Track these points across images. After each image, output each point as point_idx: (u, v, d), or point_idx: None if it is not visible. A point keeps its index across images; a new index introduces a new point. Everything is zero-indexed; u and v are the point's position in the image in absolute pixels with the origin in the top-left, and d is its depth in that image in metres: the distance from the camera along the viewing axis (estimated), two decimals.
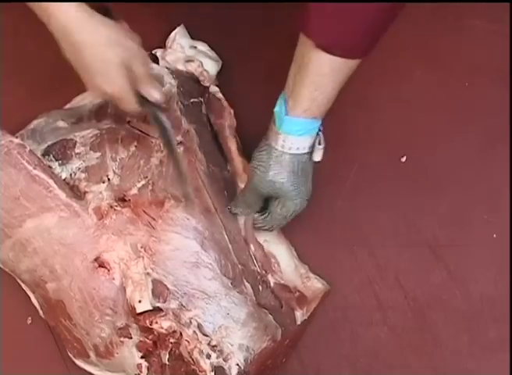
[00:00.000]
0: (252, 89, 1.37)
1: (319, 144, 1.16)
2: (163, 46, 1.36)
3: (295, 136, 1.14)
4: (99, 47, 1.05)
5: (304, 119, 1.13)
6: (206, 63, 1.33)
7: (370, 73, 1.35)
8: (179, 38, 1.33)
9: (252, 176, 1.19)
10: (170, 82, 1.26)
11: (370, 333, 1.26)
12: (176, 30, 1.35)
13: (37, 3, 1.04)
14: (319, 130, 1.17)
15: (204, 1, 1.40)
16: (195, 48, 1.35)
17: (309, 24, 1.07)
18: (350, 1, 1.03)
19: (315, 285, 1.25)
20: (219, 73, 1.36)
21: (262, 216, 1.23)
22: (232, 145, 1.30)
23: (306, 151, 1.16)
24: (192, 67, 1.31)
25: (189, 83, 1.31)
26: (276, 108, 1.15)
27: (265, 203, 1.23)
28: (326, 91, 1.12)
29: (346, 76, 1.12)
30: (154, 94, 1.11)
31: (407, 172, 1.33)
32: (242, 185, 1.25)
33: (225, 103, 1.33)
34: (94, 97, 1.11)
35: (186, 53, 1.33)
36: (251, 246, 1.23)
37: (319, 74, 1.10)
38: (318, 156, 1.17)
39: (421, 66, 1.38)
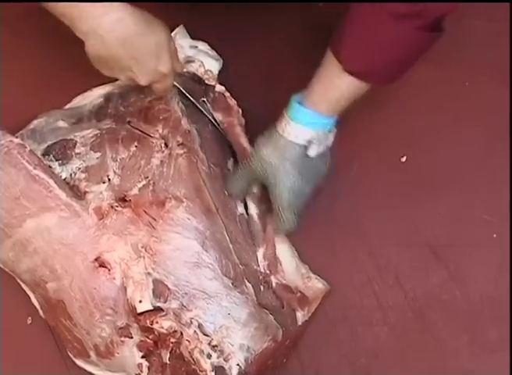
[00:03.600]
0: (252, 89, 1.37)
1: (317, 141, 1.18)
2: None
3: (298, 124, 1.16)
4: (150, 32, 1.12)
5: (311, 111, 1.15)
6: (207, 62, 1.33)
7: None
8: (178, 39, 1.33)
9: (250, 154, 1.23)
10: None
11: (370, 333, 1.26)
12: (176, 31, 1.35)
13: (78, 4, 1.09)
14: (329, 130, 1.19)
15: (204, 1, 1.40)
16: (196, 47, 1.35)
17: (341, 50, 1.11)
18: (385, 32, 1.06)
19: (316, 285, 1.25)
20: (219, 73, 1.36)
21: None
22: (245, 142, 1.30)
23: (303, 142, 1.17)
24: (193, 68, 1.31)
25: (189, 83, 1.31)
26: (296, 96, 1.18)
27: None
28: (339, 91, 1.14)
29: (363, 90, 1.15)
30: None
31: (407, 172, 1.33)
32: None
33: (232, 101, 1.33)
34: (145, 81, 1.16)
35: (187, 53, 1.33)
36: (264, 245, 1.24)
37: (338, 76, 1.13)
38: (312, 151, 1.18)
39: (421, 65, 1.37)
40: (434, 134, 1.35)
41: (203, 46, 1.36)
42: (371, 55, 1.10)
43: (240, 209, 1.24)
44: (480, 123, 1.35)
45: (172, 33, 1.34)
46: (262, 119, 1.33)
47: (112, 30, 1.09)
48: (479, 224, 1.30)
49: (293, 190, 1.19)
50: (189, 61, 1.32)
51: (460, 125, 1.35)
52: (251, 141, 1.28)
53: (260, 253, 1.23)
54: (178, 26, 1.36)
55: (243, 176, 1.24)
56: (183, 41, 1.34)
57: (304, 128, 1.16)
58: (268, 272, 1.22)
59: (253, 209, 1.26)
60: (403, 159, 1.34)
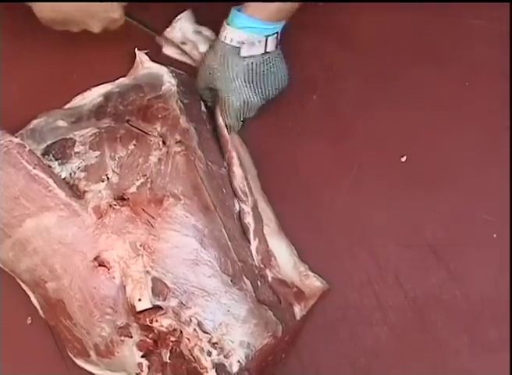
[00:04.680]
0: None
1: (249, 43, 1.25)
2: None
3: (233, 27, 1.25)
4: None
5: (246, 16, 1.24)
6: (203, 47, 1.37)
7: (370, 72, 1.36)
8: (183, 22, 1.35)
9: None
10: (170, 81, 1.27)
11: (370, 333, 1.26)
12: (181, 15, 1.38)
13: None
14: (265, 35, 1.26)
15: (204, 1, 1.40)
16: (199, 33, 1.37)
17: None
18: None
19: (314, 283, 1.25)
20: None
21: None
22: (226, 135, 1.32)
23: (236, 45, 1.25)
24: (187, 49, 1.36)
25: (188, 81, 1.31)
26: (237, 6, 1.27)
27: None
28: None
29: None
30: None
31: (407, 172, 1.33)
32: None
33: None
34: (98, 30, 1.28)
35: (189, 37, 1.35)
36: (256, 239, 1.24)
37: None
38: (243, 52, 1.26)
39: (421, 65, 1.38)
40: (434, 134, 1.35)
41: (207, 32, 1.39)
42: None
43: (237, 207, 1.24)
44: (480, 123, 1.35)
45: (177, 17, 1.37)
46: (262, 120, 1.33)
47: None
48: (479, 224, 1.30)
49: (234, 94, 1.27)
50: (183, 43, 1.37)
51: (460, 125, 1.35)
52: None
53: (253, 247, 1.23)
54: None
55: (199, 83, 1.32)
56: (186, 25, 1.36)
57: (237, 31, 1.24)
58: (262, 265, 1.22)
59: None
60: (403, 159, 1.34)
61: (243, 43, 1.25)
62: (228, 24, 1.26)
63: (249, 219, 1.23)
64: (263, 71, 1.28)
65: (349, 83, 1.38)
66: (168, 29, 1.37)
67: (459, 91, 1.37)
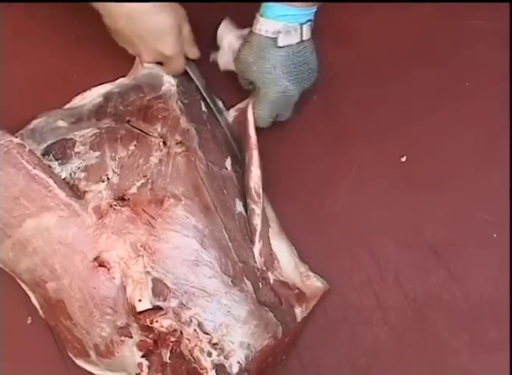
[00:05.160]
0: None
1: (285, 32, 1.23)
2: None
3: (266, 18, 1.23)
4: (156, 12, 1.18)
5: (278, 4, 1.21)
6: None
7: (370, 72, 1.36)
8: (223, 35, 1.35)
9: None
10: (169, 81, 1.26)
11: (370, 333, 1.26)
12: (220, 28, 1.36)
13: None
14: (302, 23, 1.24)
15: (204, 0, 1.40)
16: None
17: None
18: None
19: (314, 284, 1.25)
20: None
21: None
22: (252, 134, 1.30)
23: (274, 36, 1.23)
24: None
25: (188, 81, 1.31)
26: None
27: None
28: None
29: None
30: (195, 53, 1.30)
31: (407, 172, 1.33)
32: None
33: None
34: (148, 59, 1.25)
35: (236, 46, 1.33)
36: (261, 242, 1.24)
37: None
38: (280, 41, 1.23)
39: (421, 65, 1.38)
40: (434, 134, 1.35)
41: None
42: None
43: (239, 208, 1.24)
44: (480, 123, 1.35)
45: (218, 32, 1.36)
46: None
47: (118, 5, 1.15)
48: (479, 224, 1.30)
49: (271, 87, 1.25)
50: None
51: (460, 125, 1.35)
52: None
53: (256, 249, 1.23)
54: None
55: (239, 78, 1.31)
56: (229, 37, 1.34)
57: (271, 21, 1.22)
58: (265, 268, 1.22)
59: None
60: (403, 159, 1.34)
61: (279, 32, 1.23)
62: (261, 15, 1.24)
63: (257, 221, 1.23)
64: (299, 61, 1.26)
65: (349, 83, 1.38)
66: (219, 53, 1.35)
67: (459, 91, 1.37)
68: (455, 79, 1.38)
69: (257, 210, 1.23)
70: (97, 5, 1.17)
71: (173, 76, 1.28)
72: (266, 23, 1.23)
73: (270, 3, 1.22)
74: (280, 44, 1.23)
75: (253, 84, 1.29)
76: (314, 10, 1.26)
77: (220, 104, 1.35)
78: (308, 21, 1.25)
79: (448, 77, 1.38)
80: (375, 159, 1.34)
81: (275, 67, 1.24)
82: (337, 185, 1.32)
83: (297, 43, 1.25)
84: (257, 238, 1.23)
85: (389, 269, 1.28)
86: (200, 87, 1.33)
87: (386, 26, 1.41)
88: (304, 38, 1.25)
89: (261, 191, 1.24)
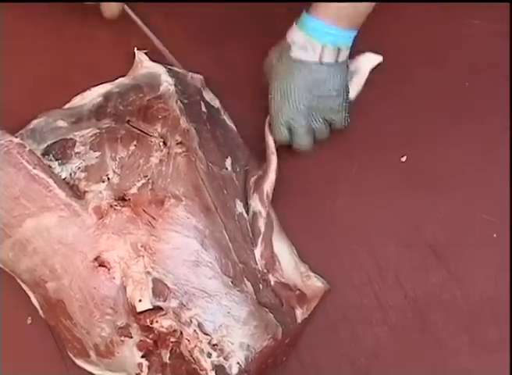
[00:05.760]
0: (252, 89, 1.37)
1: (299, 43, 1.20)
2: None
3: (303, 33, 1.19)
4: None
5: (316, 20, 1.18)
6: None
7: (370, 72, 1.36)
8: None
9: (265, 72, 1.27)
10: (167, 80, 1.26)
11: (370, 333, 1.26)
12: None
13: None
14: (338, 47, 1.21)
15: (204, 1, 1.40)
16: None
17: None
18: None
19: (315, 284, 1.25)
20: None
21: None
22: (270, 140, 1.31)
23: (310, 52, 1.20)
24: None
25: (186, 81, 1.31)
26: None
27: None
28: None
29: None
30: None
31: (407, 172, 1.33)
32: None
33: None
34: None
35: None
36: (263, 244, 1.24)
37: None
38: (294, 51, 1.21)
39: (421, 65, 1.39)
40: (434, 134, 1.35)
41: None
42: None
43: (239, 208, 1.24)
44: (480, 123, 1.35)
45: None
46: (263, 119, 1.33)
47: None
48: (479, 224, 1.30)
49: (293, 101, 1.23)
50: None
51: (460, 125, 1.35)
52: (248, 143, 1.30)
53: (257, 252, 1.23)
54: (181, 27, 1.37)
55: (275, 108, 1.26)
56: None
57: (308, 39, 1.19)
58: (266, 270, 1.22)
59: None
60: (403, 159, 1.34)
61: (294, 42, 1.21)
62: (298, 30, 1.21)
63: (261, 224, 1.23)
64: (330, 82, 1.23)
65: None
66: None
67: (459, 91, 1.38)
68: (455, 79, 1.38)
69: (264, 213, 1.24)
70: None
71: (171, 75, 1.28)
72: (301, 39, 1.20)
73: (314, 19, 1.18)
74: (292, 54, 1.21)
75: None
76: (349, 33, 1.22)
77: (217, 103, 1.35)
78: (334, 45, 1.20)
79: (448, 77, 1.38)
80: (375, 159, 1.34)
81: (291, 77, 1.22)
82: (337, 185, 1.32)
83: (315, 63, 1.21)
84: (259, 241, 1.23)
85: (389, 269, 1.28)
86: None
87: (386, 26, 1.41)
88: (325, 60, 1.21)
89: (271, 196, 1.24)
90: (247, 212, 1.25)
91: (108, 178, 1.18)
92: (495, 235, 1.29)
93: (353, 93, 1.31)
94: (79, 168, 1.19)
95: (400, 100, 1.36)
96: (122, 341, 1.14)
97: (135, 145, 1.20)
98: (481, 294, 1.27)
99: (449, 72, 1.38)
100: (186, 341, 1.10)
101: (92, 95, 1.30)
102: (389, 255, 1.29)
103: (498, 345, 1.24)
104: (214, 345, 1.10)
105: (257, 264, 1.22)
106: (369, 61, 1.35)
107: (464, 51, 1.39)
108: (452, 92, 1.37)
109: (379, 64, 1.32)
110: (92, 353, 1.17)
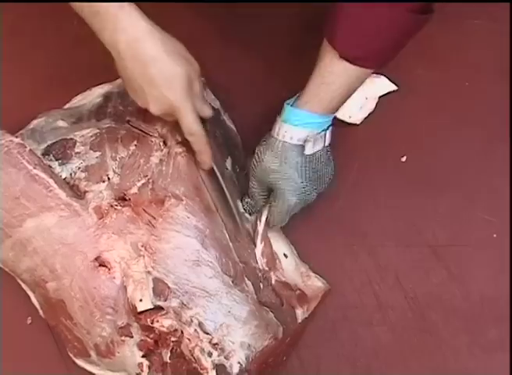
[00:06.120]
0: (252, 89, 1.38)
1: (313, 139, 1.17)
2: None
3: (291, 125, 1.17)
4: (168, 60, 1.10)
5: (304, 112, 1.16)
6: None
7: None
8: None
9: (251, 164, 1.22)
10: None
11: (370, 333, 1.26)
12: None
13: (101, 13, 1.07)
14: (325, 129, 1.19)
15: (204, 1, 1.40)
16: None
17: (336, 36, 1.11)
18: (379, 15, 1.07)
19: (315, 284, 1.25)
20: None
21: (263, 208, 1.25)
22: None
23: (300, 143, 1.18)
24: None
25: None
26: (288, 100, 1.19)
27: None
28: (331, 89, 1.14)
29: (355, 81, 1.15)
30: (207, 111, 1.18)
31: (407, 172, 1.33)
32: None
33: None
34: (155, 109, 1.13)
35: None
36: (263, 243, 1.24)
37: (329, 72, 1.13)
38: (308, 150, 1.18)
39: (421, 65, 1.39)
40: (434, 134, 1.35)
41: None
42: (367, 39, 1.11)
43: (240, 208, 1.25)
44: (480, 123, 1.35)
45: None
46: (262, 120, 1.33)
47: (129, 49, 1.09)
48: (479, 224, 1.30)
49: (294, 194, 1.20)
50: None
51: (460, 125, 1.36)
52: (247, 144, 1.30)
53: (258, 251, 1.23)
54: (180, 28, 1.36)
55: (256, 191, 1.24)
56: None
57: (297, 128, 1.17)
58: (267, 269, 1.23)
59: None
60: (403, 159, 1.34)
61: (306, 141, 1.17)
62: (285, 122, 1.18)
63: (260, 222, 1.25)
64: (321, 166, 1.21)
65: None
66: None
67: (459, 91, 1.38)
68: (455, 79, 1.38)
69: (265, 212, 1.25)
70: (110, 49, 1.10)
71: None
72: (291, 130, 1.18)
73: (295, 109, 1.17)
74: (308, 152, 1.18)
75: (269, 189, 1.24)
76: (333, 116, 1.21)
77: (217, 104, 1.35)
78: (330, 126, 1.20)
79: (448, 77, 1.38)
80: (375, 159, 1.34)
81: (299, 174, 1.20)
82: (337, 185, 1.32)
83: (321, 149, 1.21)
84: (259, 239, 1.23)
85: (389, 269, 1.29)
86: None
87: None
88: (326, 144, 1.21)
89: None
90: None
91: (109, 178, 1.18)
92: (495, 235, 1.29)
93: (361, 116, 1.33)
94: (79, 168, 1.19)
95: (399, 100, 1.36)
96: (123, 340, 1.14)
97: (135, 145, 1.20)
98: (481, 294, 1.27)
99: (450, 72, 1.38)
100: (187, 341, 1.10)
101: (92, 95, 1.31)
102: (389, 255, 1.29)
103: (498, 345, 1.24)
104: (214, 344, 1.10)
105: (257, 263, 1.22)
106: (384, 87, 1.36)
107: (464, 51, 1.39)
108: (452, 92, 1.37)
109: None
110: (92, 353, 1.17)
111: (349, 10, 1.09)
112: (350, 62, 1.11)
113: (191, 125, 1.15)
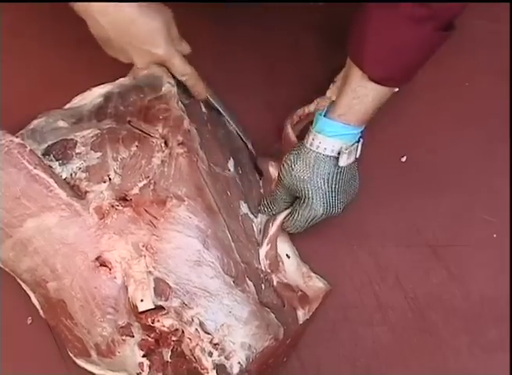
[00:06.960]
0: (252, 89, 1.37)
1: (347, 151, 1.19)
2: None
3: (325, 136, 1.18)
4: (145, 18, 1.15)
5: (338, 123, 1.18)
6: None
7: None
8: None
9: (280, 171, 1.23)
10: (169, 81, 1.25)
11: (370, 333, 1.26)
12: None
13: None
14: (357, 141, 1.21)
15: (204, 1, 1.40)
16: None
17: (364, 60, 1.13)
18: (405, 35, 1.10)
19: (317, 285, 1.25)
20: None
21: (286, 216, 1.26)
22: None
23: (333, 154, 1.19)
24: None
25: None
26: (320, 111, 1.22)
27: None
28: (365, 101, 1.17)
29: (387, 93, 1.18)
30: (186, 48, 1.25)
31: (407, 172, 1.33)
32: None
33: None
34: (142, 64, 1.22)
35: None
36: (269, 245, 1.25)
37: (361, 86, 1.15)
38: (342, 161, 1.19)
39: None
40: (434, 134, 1.35)
41: None
42: (394, 60, 1.13)
43: (244, 209, 1.25)
44: (480, 124, 1.35)
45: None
46: (263, 120, 1.33)
47: (104, 14, 1.13)
48: (479, 224, 1.31)
49: (322, 205, 1.21)
50: None
51: (460, 125, 1.36)
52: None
53: (262, 252, 1.23)
54: (180, 28, 1.36)
55: (280, 196, 1.25)
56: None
57: (331, 139, 1.18)
58: (269, 271, 1.23)
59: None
60: (403, 159, 1.34)
61: (340, 153, 1.19)
62: (319, 132, 1.19)
63: (270, 224, 1.26)
64: (349, 178, 1.23)
65: None
66: None
67: (459, 92, 1.38)
68: (455, 79, 1.38)
69: (281, 217, 1.26)
70: (83, 15, 1.15)
71: (173, 76, 1.27)
72: (326, 141, 1.19)
73: (329, 120, 1.19)
74: (342, 164, 1.20)
75: (294, 196, 1.25)
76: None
77: (221, 105, 1.34)
78: (360, 138, 1.22)
79: (448, 78, 1.38)
80: (375, 159, 1.33)
81: (330, 186, 1.21)
82: None
83: (353, 162, 1.22)
84: (266, 241, 1.23)
85: (389, 269, 1.29)
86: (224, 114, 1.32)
87: None
88: (357, 156, 1.23)
89: None
90: (254, 214, 1.27)
91: (110, 178, 1.18)
92: (495, 235, 1.30)
93: None
94: (80, 168, 1.19)
95: (400, 100, 1.36)
96: (124, 340, 1.14)
97: (137, 146, 1.20)
98: (481, 294, 1.27)
99: (450, 72, 1.38)
100: (188, 340, 1.10)
101: (92, 95, 1.30)
102: (389, 256, 1.29)
103: (498, 345, 1.25)
104: (215, 344, 1.10)
105: (260, 264, 1.22)
106: None
107: (464, 51, 1.39)
108: (452, 93, 1.38)
109: None
110: (93, 353, 1.17)
111: (374, 31, 1.11)
112: (380, 84, 1.14)
113: (182, 68, 1.23)
